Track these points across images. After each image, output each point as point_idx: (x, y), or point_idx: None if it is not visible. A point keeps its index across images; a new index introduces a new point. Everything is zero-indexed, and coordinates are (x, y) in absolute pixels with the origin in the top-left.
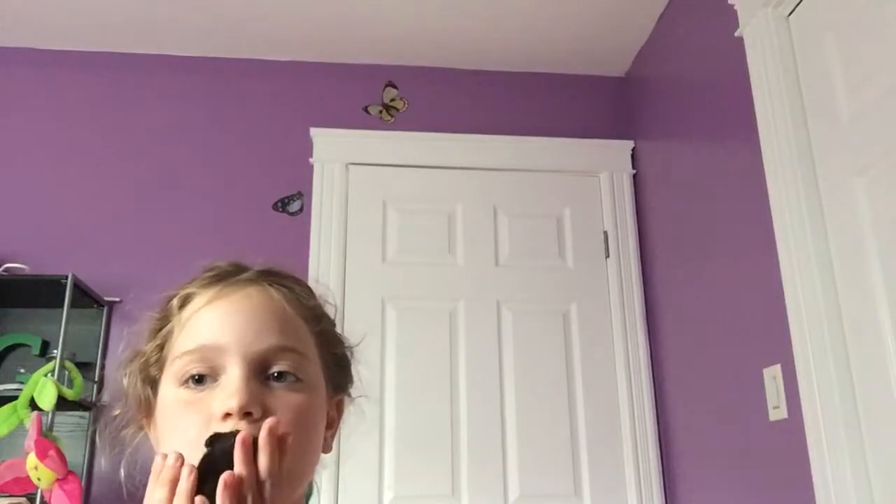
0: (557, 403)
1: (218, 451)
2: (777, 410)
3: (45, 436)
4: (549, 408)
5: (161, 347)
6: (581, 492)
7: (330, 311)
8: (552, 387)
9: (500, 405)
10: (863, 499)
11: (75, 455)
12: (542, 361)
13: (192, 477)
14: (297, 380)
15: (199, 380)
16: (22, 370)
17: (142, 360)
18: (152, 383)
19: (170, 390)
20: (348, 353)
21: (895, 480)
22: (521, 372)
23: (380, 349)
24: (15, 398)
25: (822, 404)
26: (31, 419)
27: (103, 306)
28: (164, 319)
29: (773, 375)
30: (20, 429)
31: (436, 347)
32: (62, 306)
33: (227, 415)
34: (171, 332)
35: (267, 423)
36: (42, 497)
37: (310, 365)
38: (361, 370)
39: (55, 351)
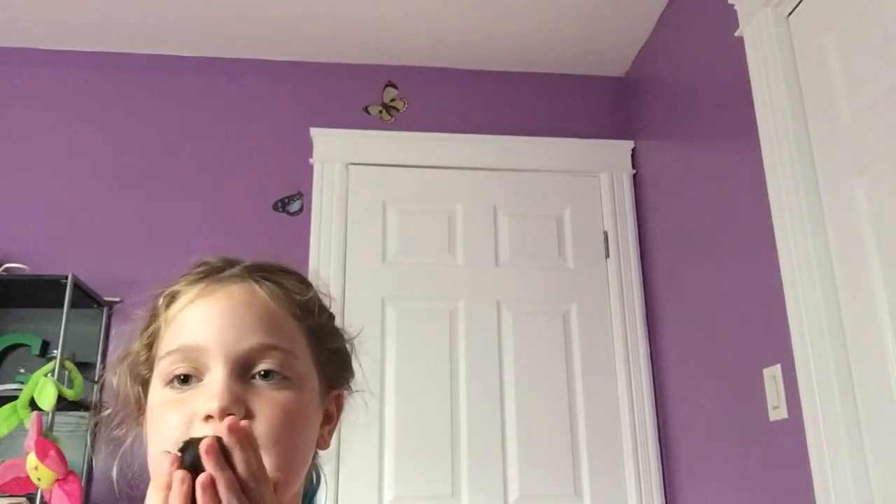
0: (557, 403)
1: (188, 460)
2: (777, 410)
3: (45, 436)
4: (549, 408)
5: (149, 346)
6: (581, 492)
7: (327, 303)
8: (552, 387)
9: (500, 405)
10: (863, 499)
11: (75, 455)
12: (542, 361)
13: (186, 486)
14: (284, 377)
15: (184, 379)
16: (22, 370)
17: (130, 359)
18: (143, 382)
19: (156, 390)
20: (347, 347)
21: (895, 480)
22: (521, 372)
23: (380, 349)
24: (15, 398)
25: (822, 404)
26: (31, 419)
27: (103, 306)
28: (152, 318)
29: (773, 375)
30: (20, 429)
31: (436, 347)
32: (62, 306)
33: (209, 417)
34: (158, 331)
35: (226, 423)
36: (42, 497)
37: (297, 362)
38: (363, 364)
39: (55, 351)
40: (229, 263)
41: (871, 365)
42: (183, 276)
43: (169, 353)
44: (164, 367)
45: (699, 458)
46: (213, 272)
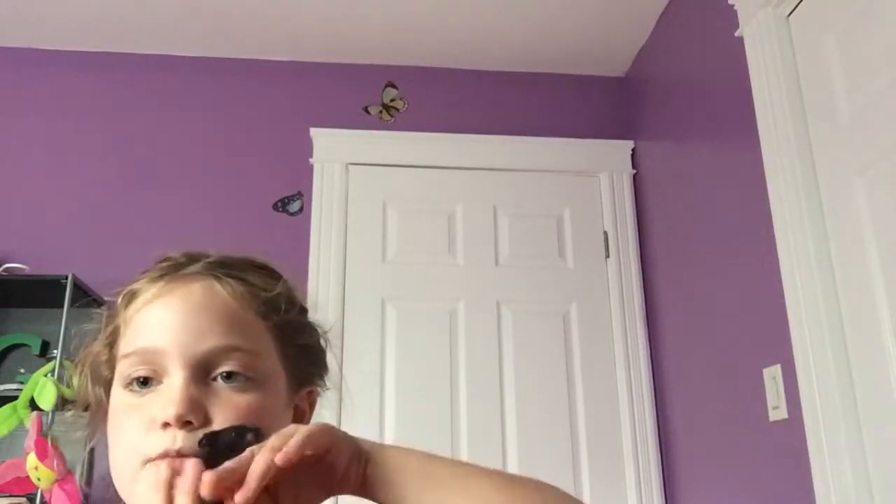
0: (557, 403)
1: (221, 446)
2: (777, 410)
3: (45, 436)
4: (549, 408)
5: (110, 346)
6: (581, 492)
7: (299, 297)
8: (552, 387)
9: (500, 405)
10: (863, 499)
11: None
12: (542, 361)
13: (195, 470)
14: (247, 379)
15: (143, 382)
16: (22, 370)
17: (91, 359)
18: (105, 383)
19: (117, 393)
20: (321, 342)
21: (895, 480)
22: (521, 372)
23: (380, 349)
24: (15, 398)
25: (822, 404)
26: (31, 419)
27: (103, 306)
28: (112, 317)
29: (773, 375)
30: (20, 429)
31: (436, 348)
32: (62, 306)
33: (167, 424)
34: (117, 331)
35: (207, 481)
36: (42, 497)
37: (261, 362)
38: (362, 363)
39: (55, 351)
40: (192, 259)
41: (871, 365)
42: (144, 272)
43: (126, 356)
44: (123, 370)
45: (699, 458)
46: (175, 269)
